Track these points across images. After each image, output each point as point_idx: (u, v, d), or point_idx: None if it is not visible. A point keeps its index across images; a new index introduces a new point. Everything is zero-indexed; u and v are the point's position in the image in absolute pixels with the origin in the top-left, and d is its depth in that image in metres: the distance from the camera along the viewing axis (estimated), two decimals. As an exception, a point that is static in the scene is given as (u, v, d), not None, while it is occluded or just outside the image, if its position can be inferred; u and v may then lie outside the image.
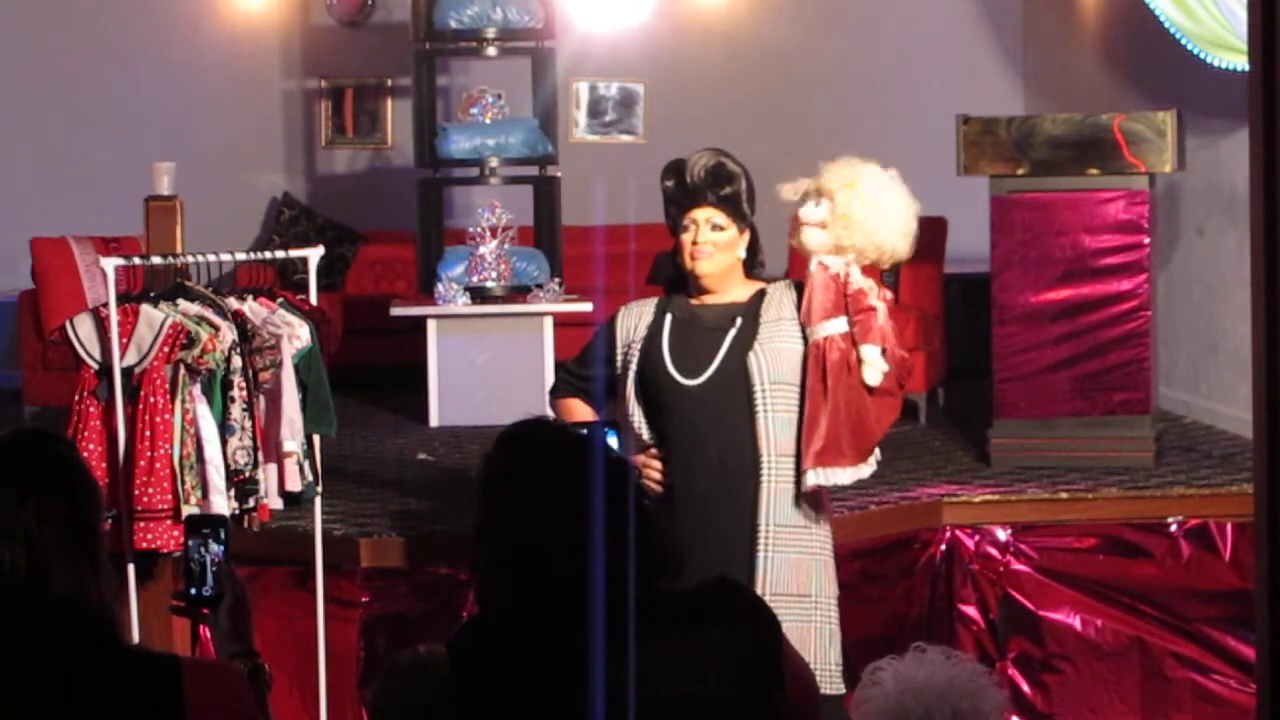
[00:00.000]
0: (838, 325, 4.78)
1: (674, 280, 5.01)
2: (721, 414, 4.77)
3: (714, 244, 4.84)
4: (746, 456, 4.77)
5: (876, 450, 4.89)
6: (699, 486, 4.78)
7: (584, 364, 5.09)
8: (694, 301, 4.92)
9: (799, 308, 4.84)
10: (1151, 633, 6.70)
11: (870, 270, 4.96)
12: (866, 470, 4.85)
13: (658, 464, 4.83)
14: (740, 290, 4.89)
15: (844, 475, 4.78)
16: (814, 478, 4.75)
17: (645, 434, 4.86)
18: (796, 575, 4.77)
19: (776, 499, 4.77)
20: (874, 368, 4.77)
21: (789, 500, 4.78)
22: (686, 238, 4.87)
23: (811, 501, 4.81)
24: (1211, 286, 8.76)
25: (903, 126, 10.96)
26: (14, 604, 2.53)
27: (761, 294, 4.89)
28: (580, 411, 5.03)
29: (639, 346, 4.89)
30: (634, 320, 4.96)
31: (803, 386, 4.78)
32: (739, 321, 4.83)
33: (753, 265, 4.94)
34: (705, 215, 4.86)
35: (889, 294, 4.91)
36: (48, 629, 2.54)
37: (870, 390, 4.78)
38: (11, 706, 2.53)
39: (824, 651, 4.77)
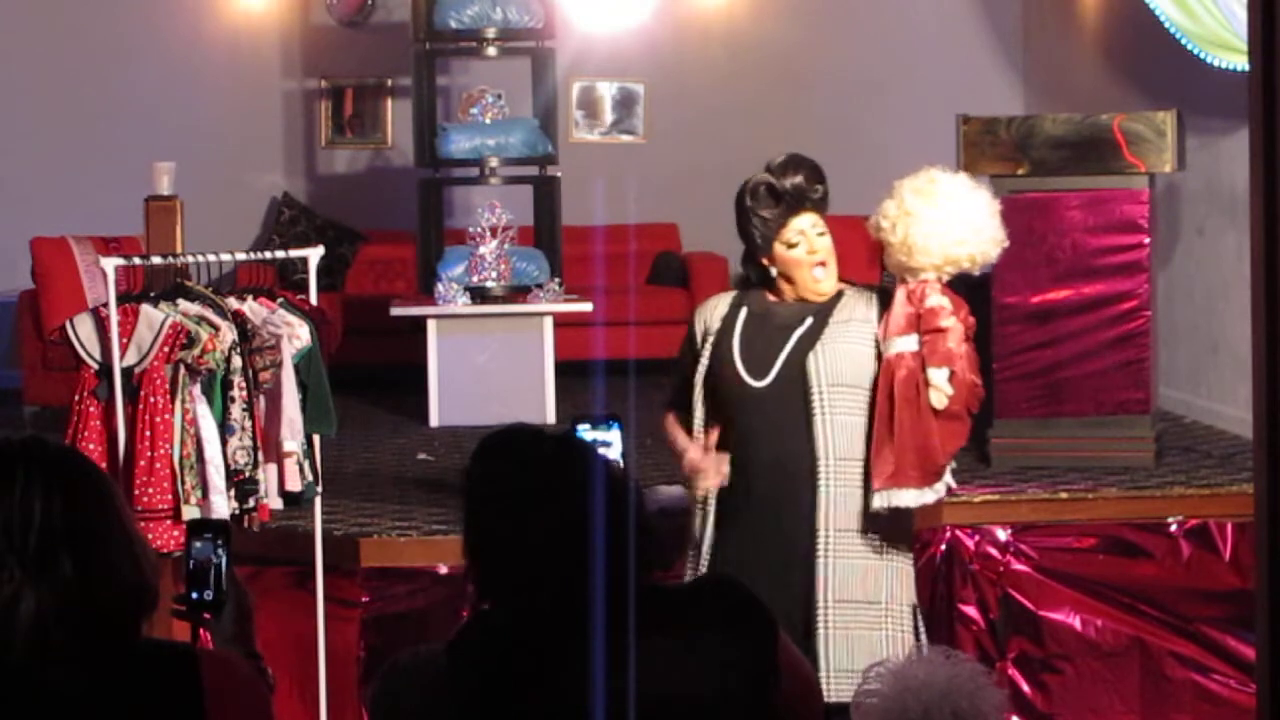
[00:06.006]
0: (908, 343, 4.64)
1: (751, 282, 4.82)
2: (781, 416, 4.63)
3: (827, 250, 4.68)
4: (804, 460, 4.62)
5: (948, 475, 4.76)
6: (757, 488, 4.66)
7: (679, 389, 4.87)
8: (771, 297, 4.76)
9: (879, 313, 4.69)
10: (1151, 633, 6.70)
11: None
12: (932, 495, 4.70)
13: (709, 468, 4.70)
14: None
15: (909, 497, 4.64)
16: (879, 500, 4.62)
17: (698, 432, 4.72)
18: (864, 581, 4.63)
19: (837, 503, 4.63)
20: (938, 391, 4.62)
21: (853, 505, 4.64)
22: (799, 252, 4.68)
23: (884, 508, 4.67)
24: (1211, 286, 8.76)
25: (903, 126, 10.97)
26: (30, 597, 2.54)
27: (840, 295, 4.74)
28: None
29: (712, 340, 4.73)
30: (710, 312, 4.80)
31: (874, 394, 4.65)
32: (809, 321, 4.68)
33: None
34: (809, 221, 4.68)
35: (970, 317, 4.74)
36: (65, 620, 2.55)
37: (936, 413, 4.65)
38: (30, 698, 2.54)
39: None
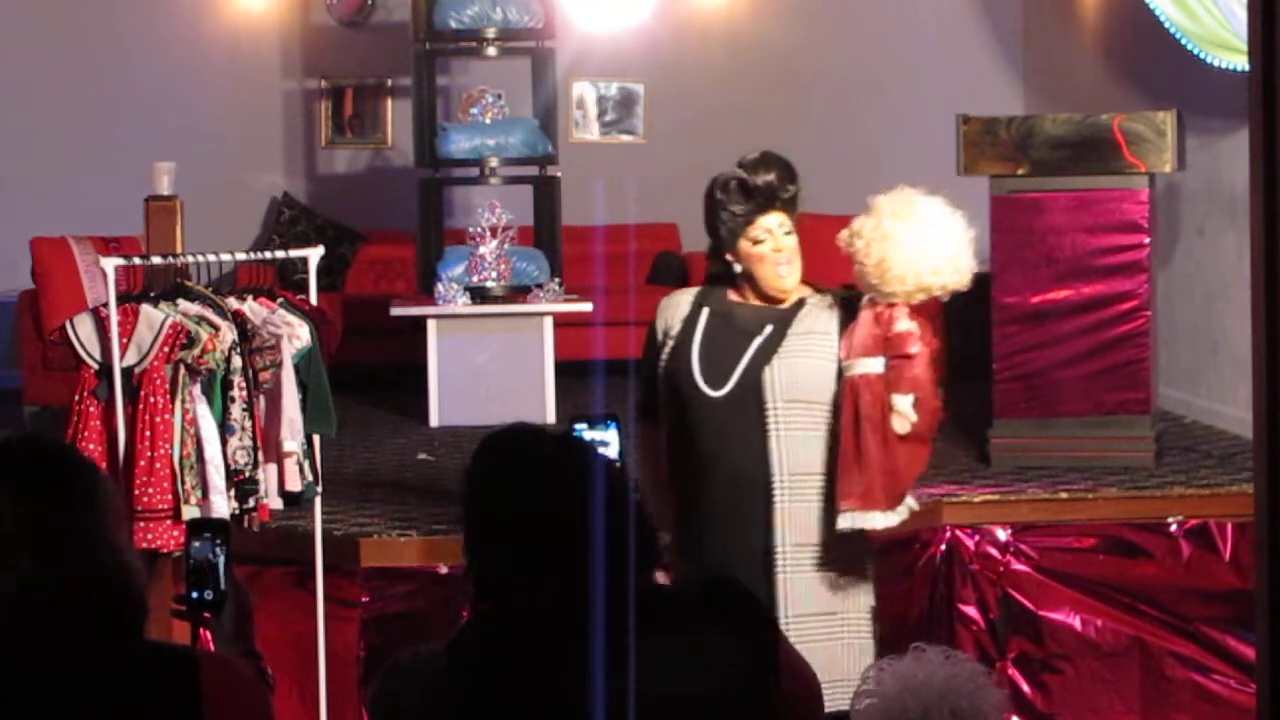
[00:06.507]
0: (874, 365, 4.61)
1: (716, 278, 4.78)
2: (736, 428, 4.60)
3: (792, 250, 4.65)
4: (758, 475, 4.59)
5: (910, 499, 4.72)
6: (713, 500, 4.64)
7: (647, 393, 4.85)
8: (734, 297, 4.73)
9: (840, 325, 4.66)
10: (1151, 633, 6.71)
11: (925, 308, 4.75)
12: (896, 518, 4.67)
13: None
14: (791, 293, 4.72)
15: (877, 519, 4.62)
16: (847, 521, 4.59)
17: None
18: (820, 593, 4.61)
19: (793, 519, 4.59)
20: (902, 418, 4.60)
21: (809, 519, 4.61)
22: (765, 249, 4.63)
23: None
24: (1211, 286, 8.77)
25: (903, 126, 10.98)
26: (32, 600, 2.54)
27: (802, 303, 4.70)
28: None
29: (672, 344, 4.70)
30: (671, 313, 4.76)
31: (835, 409, 4.62)
32: (769, 330, 4.65)
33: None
34: (777, 220, 4.64)
35: (935, 340, 4.71)
36: (66, 624, 2.55)
37: (901, 438, 4.62)
38: (30, 700, 2.55)
39: (855, 667, 4.51)
